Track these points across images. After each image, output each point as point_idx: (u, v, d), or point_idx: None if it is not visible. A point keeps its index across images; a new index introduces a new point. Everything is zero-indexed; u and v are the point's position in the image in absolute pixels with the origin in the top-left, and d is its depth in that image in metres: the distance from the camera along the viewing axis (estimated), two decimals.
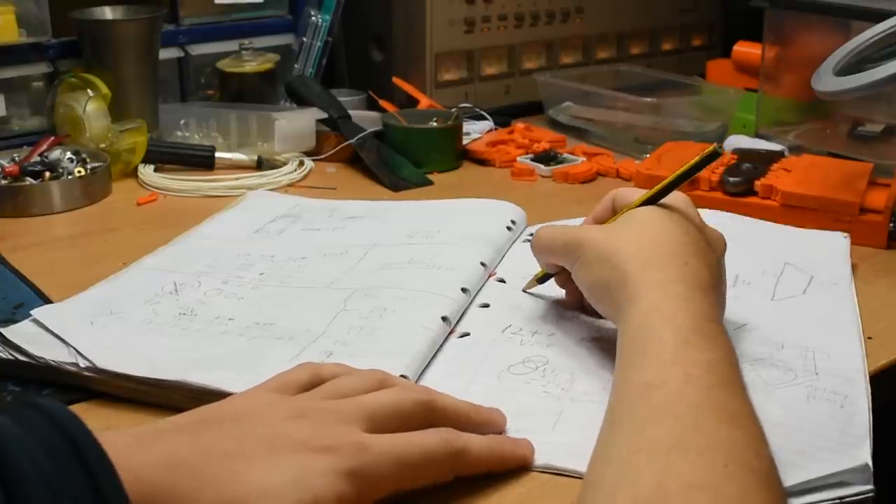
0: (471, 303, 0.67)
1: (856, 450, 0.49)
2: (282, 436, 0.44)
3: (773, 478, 0.41)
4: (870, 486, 0.47)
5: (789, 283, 0.70)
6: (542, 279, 0.68)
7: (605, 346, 0.61)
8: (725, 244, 0.61)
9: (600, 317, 0.62)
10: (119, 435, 0.42)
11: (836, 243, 0.76)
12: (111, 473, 0.37)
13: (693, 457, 0.40)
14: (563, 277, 0.65)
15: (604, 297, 0.57)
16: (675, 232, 0.56)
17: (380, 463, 0.44)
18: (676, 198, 0.60)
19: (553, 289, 0.67)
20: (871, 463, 0.48)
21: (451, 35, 1.18)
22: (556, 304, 0.67)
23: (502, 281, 0.72)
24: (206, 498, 0.40)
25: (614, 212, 0.63)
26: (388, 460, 0.44)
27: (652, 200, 0.60)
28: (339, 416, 0.45)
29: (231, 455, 0.42)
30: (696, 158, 0.59)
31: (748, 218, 0.81)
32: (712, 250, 0.58)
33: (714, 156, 0.58)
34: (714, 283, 0.55)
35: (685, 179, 0.60)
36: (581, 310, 0.65)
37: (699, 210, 0.61)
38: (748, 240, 0.75)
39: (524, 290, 0.69)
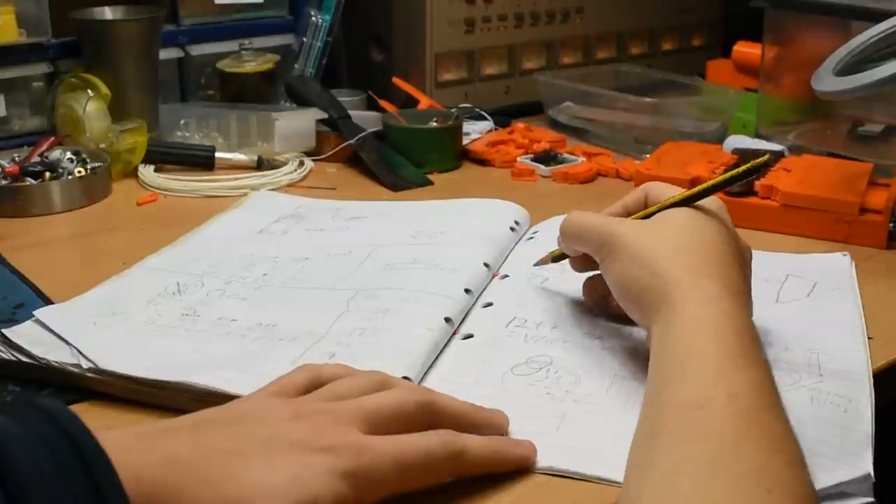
0: (474, 303, 0.67)
1: (857, 458, 0.49)
2: (281, 436, 0.44)
3: (814, 503, 0.41)
4: (870, 499, 0.47)
5: (793, 287, 0.70)
6: (557, 258, 0.67)
7: (610, 345, 0.61)
8: (751, 254, 0.60)
9: (620, 320, 0.61)
10: (119, 434, 0.42)
11: (838, 263, 0.75)
12: (111, 473, 0.37)
13: (735, 481, 0.39)
14: (581, 263, 0.63)
15: (637, 298, 0.54)
16: (715, 240, 0.55)
17: (379, 464, 0.44)
18: (712, 202, 0.58)
19: (561, 285, 0.67)
20: (872, 473, 0.48)
21: (451, 35, 1.18)
22: (562, 298, 0.67)
23: (506, 276, 0.71)
24: (205, 496, 0.40)
25: (646, 205, 0.62)
26: (387, 462, 0.44)
27: (687, 202, 0.58)
28: (338, 417, 0.45)
29: (230, 454, 0.42)
30: (746, 166, 0.57)
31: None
32: (744, 259, 0.57)
33: (764, 165, 0.57)
34: (748, 296, 0.54)
35: (727, 185, 0.58)
36: (601, 310, 0.64)
37: None
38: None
39: (535, 265, 0.69)
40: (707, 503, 0.39)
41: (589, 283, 0.65)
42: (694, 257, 0.53)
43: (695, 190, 0.58)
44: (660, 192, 0.61)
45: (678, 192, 0.60)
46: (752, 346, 0.48)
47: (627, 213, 0.63)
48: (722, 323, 0.49)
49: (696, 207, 0.58)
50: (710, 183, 0.58)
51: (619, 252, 0.56)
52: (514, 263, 0.74)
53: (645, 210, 0.61)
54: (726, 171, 0.87)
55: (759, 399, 0.44)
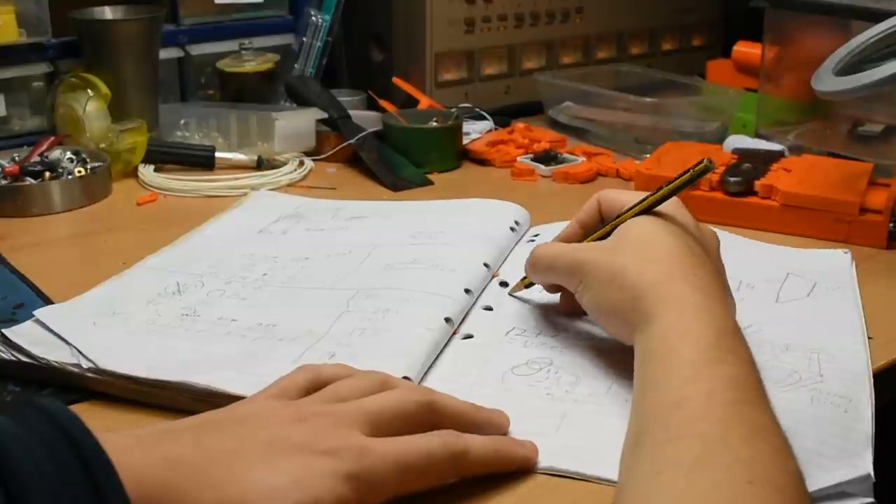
0: (474, 304, 0.67)
1: (857, 458, 0.49)
2: (282, 438, 0.44)
3: (800, 493, 0.40)
4: (871, 499, 0.47)
5: (793, 287, 0.70)
6: (530, 284, 0.67)
7: (609, 347, 0.61)
8: (719, 240, 0.61)
9: None
10: (120, 436, 0.41)
11: (838, 260, 0.75)
12: (111, 473, 0.37)
13: (715, 475, 0.40)
14: (554, 287, 0.64)
15: (613, 319, 0.55)
16: (676, 244, 0.55)
17: (380, 466, 0.44)
18: (669, 204, 0.59)
19: (545, 294, 0.67)
20: (872, 473, 0.48)
21: (451, 35, 1.18)
22: (557, 306, 0.67)
23: (505, 284, 0.71)
24: (206, 498, 0.40)
25: (601, 216, 0.63)
26: (389, 464, 0.44)
27: (644, 211, 0.59)
28: (339, 419, 0.45)
29: (232, 456, 0.42)
30: (686, 176, 0.58)
31: (745, 239, 0.80)
32: (708, 254, 0.57)
33: (706, 171, 0.57)
34: (723, 289, 0.55)
35: (678, 192, 0.58)
36: (577, 315, 0.65)
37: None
38: (748, 254, 0.74)
39: (511, 294, 0.69)
40: (688, 498, 0.39)
41: (565, 297, 0.65)
42: (660, 265, 0.54)
43: (648, 201, 0.59)
44: (613, 199, 0.62)
45: (631, 197, 0.60)
46: (731, 341, 0.48)
47: (584, 229, 0.64)
48: (697, 322, 0.49)
49: (654, 213, 0.58)
50: (660, 193, 0.58)
51: (590, 279, 0.57)
52: (514, 265, 0.74)
53: (603, 228, 0.61)
54: (724, 172, 0.87)
55: (739, 393, 0.45)
